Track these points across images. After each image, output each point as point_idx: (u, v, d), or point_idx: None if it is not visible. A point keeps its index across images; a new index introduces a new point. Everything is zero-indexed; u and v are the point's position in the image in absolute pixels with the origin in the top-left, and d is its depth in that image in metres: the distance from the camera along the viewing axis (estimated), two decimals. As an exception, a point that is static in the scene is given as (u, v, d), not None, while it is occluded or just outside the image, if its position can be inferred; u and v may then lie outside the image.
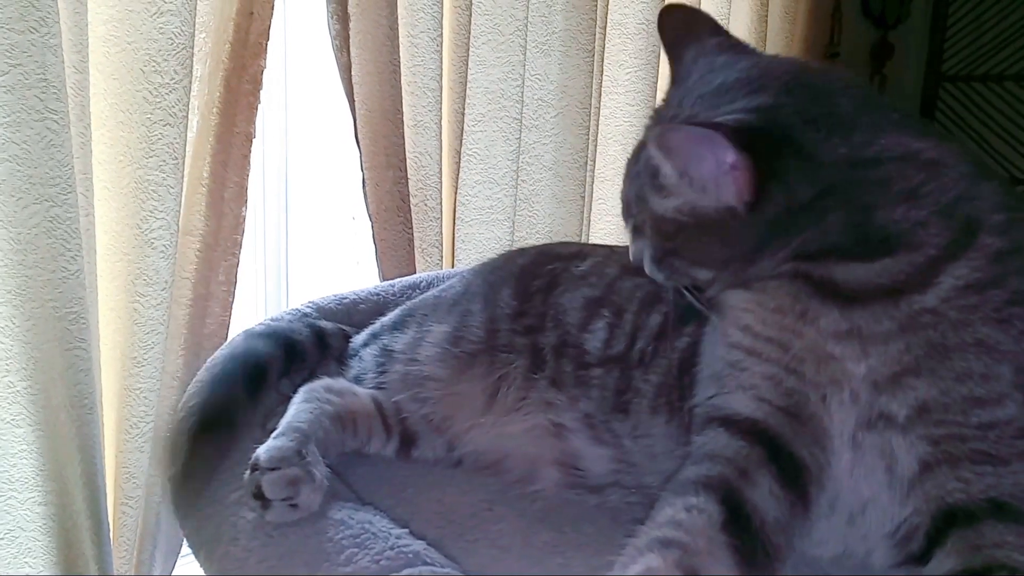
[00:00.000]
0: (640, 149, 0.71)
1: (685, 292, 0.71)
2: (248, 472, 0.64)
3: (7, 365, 0.92)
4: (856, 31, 2.59)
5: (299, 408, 0.74)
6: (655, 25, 1.64)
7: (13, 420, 0.94)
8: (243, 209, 1.15)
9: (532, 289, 0.84)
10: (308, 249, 1.56)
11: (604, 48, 1.63)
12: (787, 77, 0.66)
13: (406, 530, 0.61)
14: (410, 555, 0.57)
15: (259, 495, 0.63)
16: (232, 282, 1.16)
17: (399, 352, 0.84)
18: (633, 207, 0.72)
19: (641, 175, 0.69)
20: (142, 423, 1.06)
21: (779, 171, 0.60)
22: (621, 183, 0.76)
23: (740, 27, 1.93)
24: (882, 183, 0.61)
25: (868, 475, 0.62)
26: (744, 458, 0.62)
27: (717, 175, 0.61)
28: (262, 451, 0.65)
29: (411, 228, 1.35)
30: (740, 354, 0.67)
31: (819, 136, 0.61)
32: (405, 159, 1.32)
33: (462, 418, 0.79)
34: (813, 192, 0.61)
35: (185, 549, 1.21)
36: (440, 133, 1.36)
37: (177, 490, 0.71)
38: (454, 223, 1.44)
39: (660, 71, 1.72)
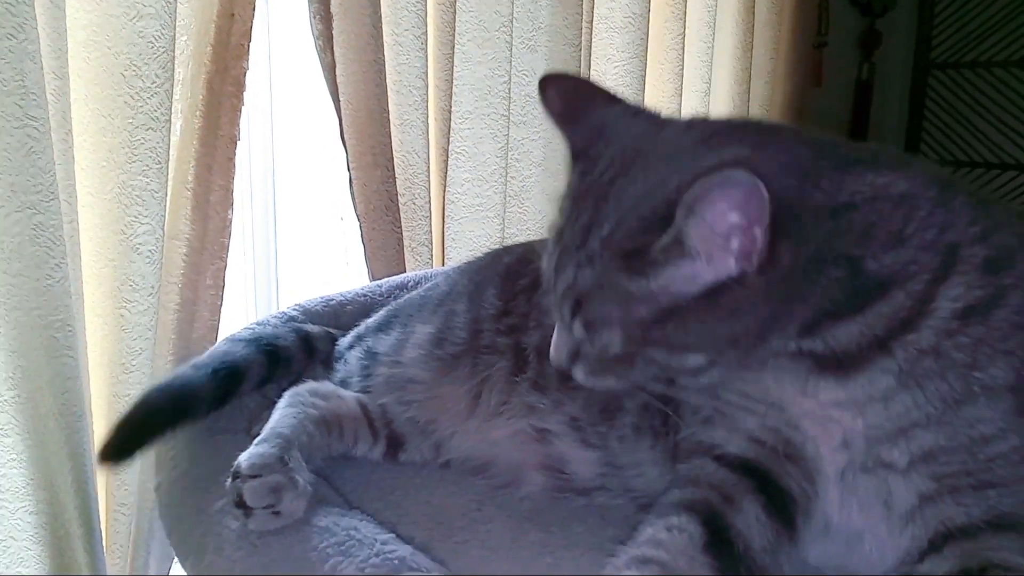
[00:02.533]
0: (585, 231, 0.60)
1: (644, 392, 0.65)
2: (230, 480, 0.63)
3: (-6, 375, 0.92)
4: (844, 20, 2.59)
5: (283, 413, 0.73)
6: (642, 19, 1.66)
7: (1, 430, 0.94)
8: (229, 212, 1.14)
9: (517, 289, 0.83)
10: (297, 251, 1.56)
11: (591, 43, 1.63)
12: (740, 130, 0.62)
13: (392, 535, 0.60)
14: (395, 561, 0.56)
15: (241, 503, 0.62)
16: (220, 286, 1.15)
17: (383, 354, 0.83)
18: (587, 300, 0.60)
19: (602, 258, 0.58)
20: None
21: (781, 226, 0.55)
22: (546, 270, 0.64)
23: (728, 19, 1.93)
24: (864, 230, 0.58)
25: (862, 510, 0.61)
26: (731, 486, 0.61)
27: (742, 236, 0.54)
28: (243, 458, 0.65)
29: (400, 227, 1.35)
30: (732, 409, 0.64)
31: (796, 186, 0.57)
32: (392, 158, 1.31)
33: (446, 422, 0.78)
34: (809, 247, 0.56)
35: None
36: (427, 131, 1.35)
37: (163, 499, 0.71)
38: (443, 221, 1.44)
39: (648, 64, 1.72)
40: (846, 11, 2.61)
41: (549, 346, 0.76)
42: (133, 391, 1.05)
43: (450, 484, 0.73)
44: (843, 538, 0.61)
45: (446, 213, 1.43)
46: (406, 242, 1.36)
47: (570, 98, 0.69)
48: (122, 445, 0.79)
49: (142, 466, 1.08)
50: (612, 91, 0.71)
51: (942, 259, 0.58)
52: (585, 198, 0.61)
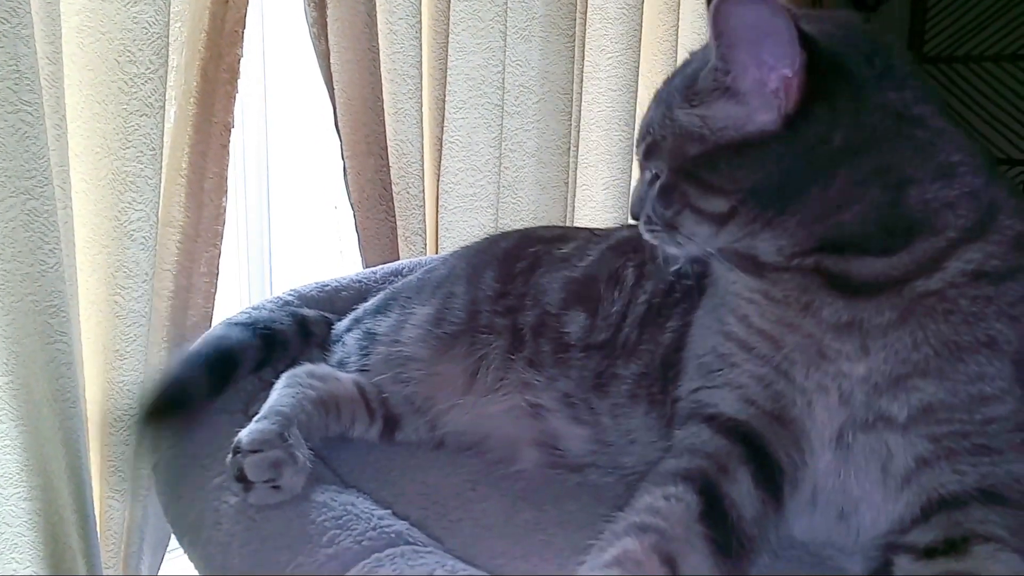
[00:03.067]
0: (667, 83, 0.68)
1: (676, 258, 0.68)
2: (230, 455, 0.64)
3: (-13, 361, 0.92)
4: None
5: (281, 393, 0.74)
6: (635, 9, 1.66)
7: (-5, 416, 0.94)
8: (223, 199, 1.14)
9: (515, 271, 0.84)
10: (291, 239, 1.56)
11: (585, 33, 1.63)
12: (843, 19, 0.64)
13: (389, 511, 0.61)
14: (392, 535, 0.57)
15: (241, 477, 0.63)
16: (214, 273, 1.15)
17: (382, 335, 0.84)
18: (654, 126, 0.66)
19: (672, 90, 0.65)
20: (126, 416, 1.06)
21: (827, 92, 0.56)
22: (642, 123, 0.70)
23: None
24: (921, 149, 0.59)
25: (859, 474, 0.61)
26: (725, 455, 0.61)
27: (768, 75, 0.57)
28: (244, 434, 0.65)
29: (394, 216, 1.35)
30: (733, 347, 0.65)
31: (872, 74, 0.59)
32: (386, 147, 1.31)
33: (443, 398, 0.79)
34: (855, 131, 0.57)
35: (173, 543, 1.21)
36: (421, 120, 1.35)
37: (160, 478, 0.71)
38: (437, 211, 1.44)
39: (642, 56, 1.72)
40: (839, 5, 2.62)
41: (544, 326, 0.78)
42: (127, 377, 1.05)
43: (445, 464, 0.74)
44: (835, 509, 0.62)
45: (440, 202, 1.43)
46: (400, 231, 1.36)
47: None
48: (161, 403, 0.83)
49: (136, 453, 1.09)
50: None
51: (980, 217, 0.59)
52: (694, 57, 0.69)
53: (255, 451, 0.64)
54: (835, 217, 0.58)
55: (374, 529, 0.57)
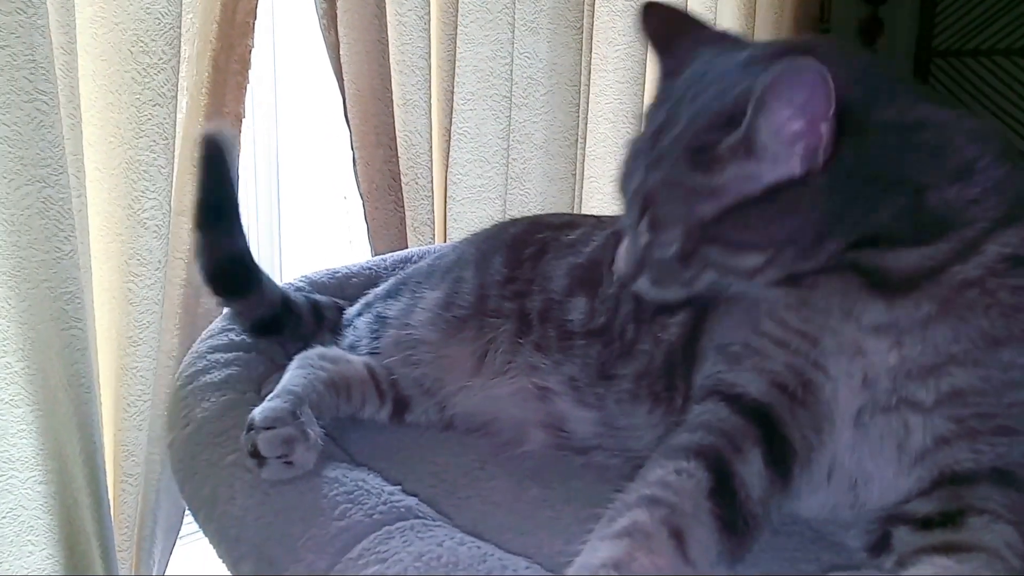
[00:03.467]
0: (657, 132, 0.62)
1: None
2: (244, 433, 0.66)
3: (4, 346, 0.93)
4: (846, 6, 2.59)
5: (293, 374, 0.75)
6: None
7: (12, 400, 0.95)
8: (234, 189, 1.15)
9: (522, 257, 0.85)
10: (301, 228, 1.57)
11: (593, 26, 1.64)
12: (817, 44, 0.62)
13: (399, 487, 0.62)
14: (402, 509, 0.58)
15: (255, 453, 0.65)
16: (225, 261, 1.17)
17: (392, 318, 0.85)
18: (654, 195, 0.61)
19: (671, 156, 0.60)
20: (139, 401, 1.08)
21: (846, 124, 0.56)
22: (620, 177, 0.66)
23: (729, 2, 1.93)
24: (934, 153, 0.58)
25: (873, 451, 0.61)
26: (740, 435, 0.61)
27: (806, 129, 0.55)
28: (257, 412, 0.67)
29: (402, 206, 1.36)
30: (766, 342, 0.64)
31: (868, 97, 0.58)
32: (395, 138, 1.32)
33: (452, 380, 0.80)
34: (874, 154, 0.57)
35: (185, 529, 1.22)
36: (430, 111, 1.36)
37: (176, 455, 0.72)
38: (445, 201, 1.45)
39: (649, 49, 1.73)
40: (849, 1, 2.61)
41: (549, 312, 0.78)
42: (140, 364, 1.07)
43: (454, 445, 0.75)
44: (847, 484, 0.62)
45: (448, 193, 1.45)
46: (408, 221, 1.37)
47: (669, 26, 0.71)
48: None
49: (148, 438, 1.10)
50: (705, 21, 0.75)
51: (1008, 207, 0.59)
52: (660, 109, 0.64)
53: (268, 428, 0.65)
54: (867, 222, 0.58)
55: (384, 504, 0.58)
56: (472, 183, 1.46)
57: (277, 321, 0.90)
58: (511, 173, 1.53)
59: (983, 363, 0.58)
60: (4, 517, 0.98)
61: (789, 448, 0.61)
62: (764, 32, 2.06)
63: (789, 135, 0.55)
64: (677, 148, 0.60)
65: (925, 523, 0.56)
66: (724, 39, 0.70)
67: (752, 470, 0.60)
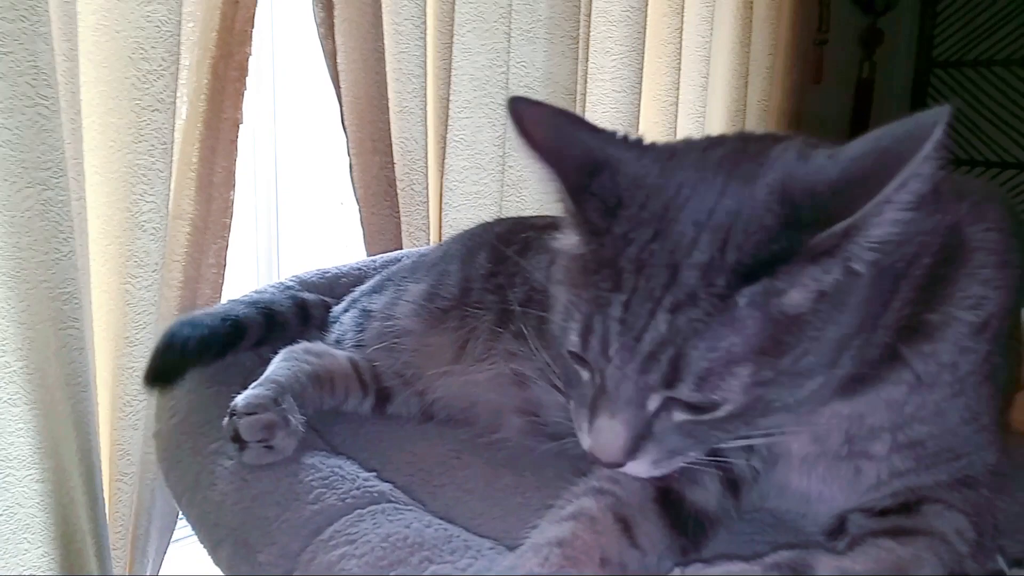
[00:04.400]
0: (667, 269, 0.49)
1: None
2: (227, 418, 0.67)
3: (3, 345, 0.95)
4: (845, 17, 2.61)
5: (278, 366, 0.78)
6: (639, 12, 1.68)
7: (10, 399, 0.97)
8: (232, 193, 1.18)
9: (507, 254, 0.87)
10: (298, 233, 1.59)
11: (589, 36, 1.66)
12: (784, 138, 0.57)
13: (374, 474, 0.64)
14: (375, 494, 0.60)
15: (236, 438, 0.67)
16: (222, 265, 1.19)
17: (376, 311, 0.87)
18: (696, 349, 0.48)
19: (712, 287, 0.48)
20: (135, 401, 1.09)
21: None
22: (590, 339, 0.50)
23: (726, 14, 1.95)
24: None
25: (827, 483, 0.60)
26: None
27: None
28: (240, 399, 0.69)
29: (398, 212, 1.38)
30: None
31: None
32: (391, 144, 1.34)
33: (433, 367, 0.82)
34: None
35: (179, 533, 1.24)
36: (426, 119, 1.38)
37: (162, 445, 0.74)
38: (441, 208, 1.47)
39: (646, 58, 1.75)
40: (847, 9, 2.63)
41: (530, 301, 0.78)
42: (137, 364, 1.08)
43: (432, 436, 0.77)
44: (799, 500, 0.62)
45: (444, 200, 1.46)
46: (404, 227, 1.39)
47: (553, 125, 0.57)
48: (164, 369, 0.83)
49: (144, 438, 1.12)
50: (584, 118, 0.60)
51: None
52: (635, 237, 0.51)
53: (250, 413, 0.67)
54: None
55: (358, 489, 0.60)
56: (468, 190, 1.48)
57: (261, 341, 0.92)
58: (507, 180, 1.55)
59: (942, 414, 0.58)
60: (1, 515, 0.99)
61: (736, 474, 0.62)
62: (761, 44, 2.08)
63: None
64: (721, 274, 0.48)
65: (882, 512, 0.58)
66: (637, 144, 0.58)
67: (697, 488, 0.60)
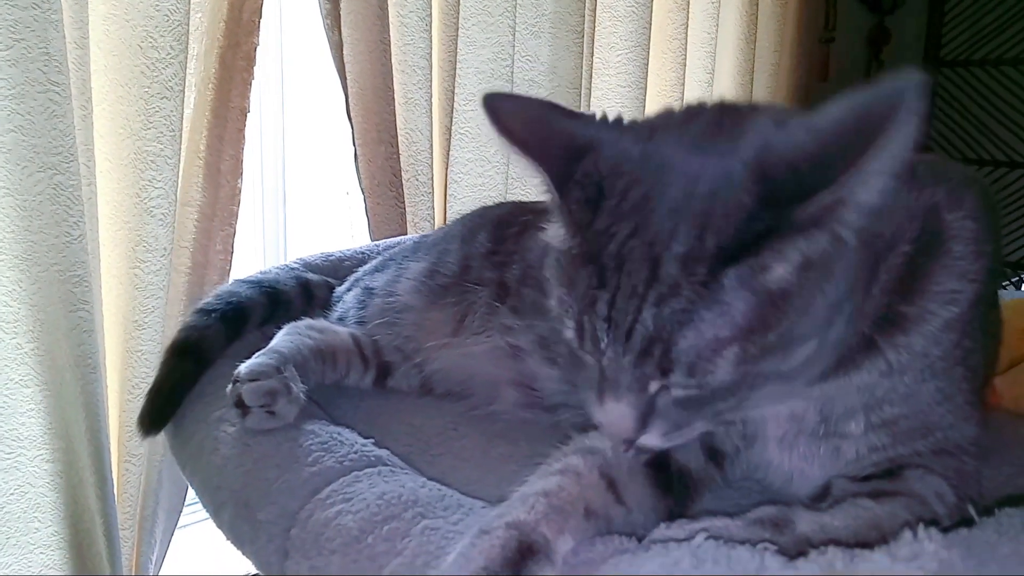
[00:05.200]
0: (648, 263, 0.49)
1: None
2: (230, 385, 0.69)
3: (15, 327, 0.97)
4: (852, 16, 2.62)
5: (281, 339, 0.80)
6: (645, 7, 1.70)
7: (21, 380, 0.99)
8: (239, 181, 1.20)
9: (506, 235, 0.88)
10: (305, 222, 1.61)
11: (595, 30, 1.67)
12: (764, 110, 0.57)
13: (372, 440, 0.65)
14: (372, 458, 0.61)
15: (239, 404, 0.69)
16: (229, 251, 1.21)
17: (378, 288, 0.89)
18: (683, 338, 0.48)
19: (693, 276, 0.48)
20: (144, 383, 1.11)
21: None
22: (584, 334, 0.51)
23: (731, 10, 1.96)
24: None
25: (806, 461, 0.62)
26: None
27: None
28: (243, 367, 0.71)
29: (403, 202, 1.40)
30: None
31: None
32: (396, 135, 1.36)
33: (432, 342, 0.84)
34: None
35: (184, 520, 1.25)
36: (431, 110, 1.40)
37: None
38: (445, 199, 1.48)
39: (651, 53, 1.76)
40: (854, 8, 2.63)
41: (527, 277, 0.79)
42: (145, 347, 1.10)
43: (431, 409, 0.79)
44: (782, 476, 0.64)
45: (448, 191, 1.48)
46: (408, 217, 1.41)
47: (530, 117, 0.57)
48: (159, 413, 0.84)
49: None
50: (561, 104, 0.59)
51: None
52: (616, 232, 0.51)
53: (253, 380, 0.69)
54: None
55: (356, 453, 0.61)
56: (473, 182, 1.49)
57: (266, 320, 0.94)
58: (512, 173, 1.56)
59: (913, 396, 0.59)
60: (12, 494, 1.01)
61: (719, 449, 0.63)
62: (767, 40, 2.09)
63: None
64: (700, 262, 0.48)
65: (865, 478, 0.59)
66: (617, 124, 0.58)
67: (687, 454, 0.61)
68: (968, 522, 0.49)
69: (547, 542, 0.49)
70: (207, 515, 0.68)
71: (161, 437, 1.14)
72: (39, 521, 1.04)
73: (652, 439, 0.53)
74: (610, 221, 0.51)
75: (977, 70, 2.67)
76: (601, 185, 0.52)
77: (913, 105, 0.44)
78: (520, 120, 0.56)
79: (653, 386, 0.51)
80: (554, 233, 0.56)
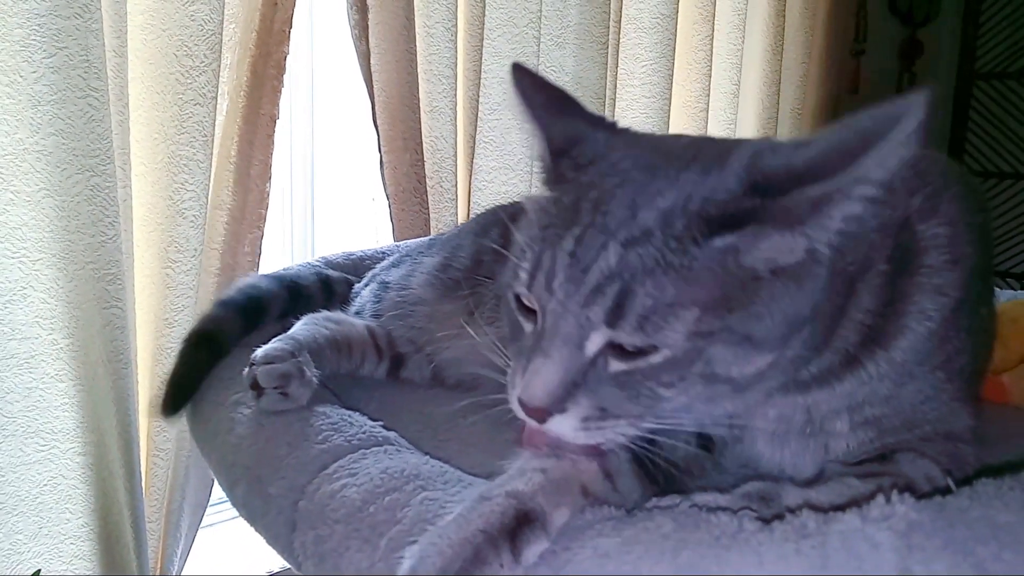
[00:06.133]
0: (627, 207, 0.49)
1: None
2: (247, 368, 0.72)
3: (52, 324, 1.01)
4: (883, 29, 2.60)
5: (299, 327, 0.83)
6: (670, 19, 1.71)
7: (56, 375, 1.03)
8: (267, 185, 1.23)
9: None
10: (332, 226, 1.65)
11: (619, 41, 1.69)
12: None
13: (381, 423, 0.67)
14: (379, 438, 0.63)
15: (255, 385, 0.72)
16: (256, 253, 1.24)
17: (393, 283, 0.92)
18: (642, 287, 0.47)
19: (669, 228, 0.48)
20: (173, 379, 1.14)
21: None
22: (539, 272, 0.50)
23: (757, 22, 1.97)
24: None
25: (795, 456, 0.62)
26: None
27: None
28: (259, 351, 0.74)
29: (427, 209, 1.42)
30: None
31: None
32: (421, 143, 1.39)
33: (443, 332, 0.86)
34: None
35: (208, 519, 1.27)
36: (455, 119, 1.43)
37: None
38: (469, 205, 1.50)
39: (676, 64, 1.77)
40: (886, 20, 2.62)
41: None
42: (175, 345, 1.13)
43: (441, 398, 0.81)
44: (774, 468, 0.64)
45: (472, 199, 1.50)
46: (433, 223, 1.43)
47: (549, 94, 0.62)
48: (175, 398, 0.87)
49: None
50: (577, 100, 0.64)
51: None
52: (600, 183, 0.52)
53: (268, 363, 0.72)
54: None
55: (364, 433, 0.64)
56: (496, 190, 1.52)
57: (285, 313, 0.97)
58: (536, 181, 1.57)
59: (894, 398, 0.61)
60: (45, 485, 1.05)
61: (710, 440, 0.64)
62: (794, 52, 2.09)
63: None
64: (681, 218, 0.48)
65: (858, 462, 0.59)
66: (614, 127, 0.62)
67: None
68: (946, 491, 0.50)
69: (544, 513, 0.50)
70: (231, 516, 0.70)
71: (187, 434, 1.19)
72: (70, 512, 1.07)
73: (566, 422, 0.50)
74: (597, 176, 0.53)
75: (1013, 82, 2.64)
76: (594, 156, 0.55)
77: (918, 118, 0.45)
78: (540, 94, 0.61)
79: (594, 341, 0.49)
80: (537, 196, 0.58)
